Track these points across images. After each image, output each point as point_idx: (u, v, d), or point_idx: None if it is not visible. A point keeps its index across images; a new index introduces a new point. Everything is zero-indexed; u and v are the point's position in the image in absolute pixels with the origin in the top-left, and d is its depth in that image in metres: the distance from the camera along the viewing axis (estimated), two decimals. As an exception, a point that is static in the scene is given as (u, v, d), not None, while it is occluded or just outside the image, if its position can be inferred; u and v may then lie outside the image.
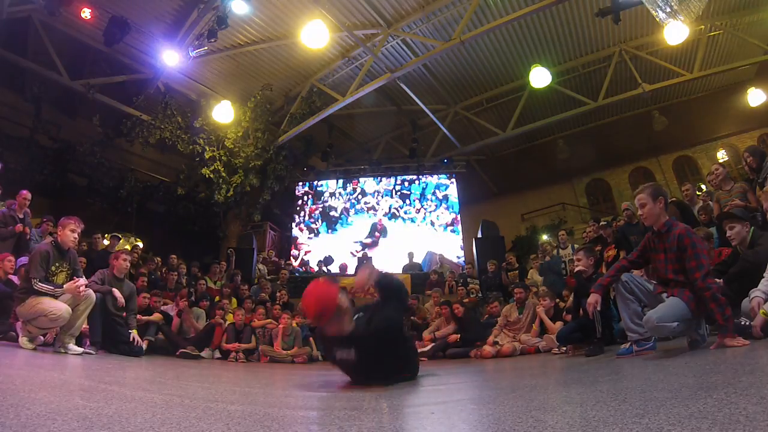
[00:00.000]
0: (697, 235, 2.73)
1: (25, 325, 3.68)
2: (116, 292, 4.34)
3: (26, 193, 5.87)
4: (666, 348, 3.00)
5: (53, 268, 3.78)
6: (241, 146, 9.84)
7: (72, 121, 10.33)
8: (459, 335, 5.92)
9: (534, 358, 4.78)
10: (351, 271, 10.70)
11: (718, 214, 4.63)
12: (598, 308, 2.91)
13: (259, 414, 1.34)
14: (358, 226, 12.01)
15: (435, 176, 12.24)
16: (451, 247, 11.46)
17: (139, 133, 9.67)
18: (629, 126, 12.51)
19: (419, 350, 4.96)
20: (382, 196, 12.20)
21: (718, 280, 2.68)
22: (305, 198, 12.45)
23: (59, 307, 3.59)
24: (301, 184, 12.45)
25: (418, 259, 10.81)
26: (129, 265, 4.83)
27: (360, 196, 12.28)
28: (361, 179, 12.38)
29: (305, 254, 11.82)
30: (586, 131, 12.93)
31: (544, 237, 12.28)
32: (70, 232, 3.91)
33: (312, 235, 12.08)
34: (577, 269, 4.24)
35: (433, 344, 5.98)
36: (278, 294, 7.16)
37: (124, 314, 4.52)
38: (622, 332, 3.36)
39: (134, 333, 4.55)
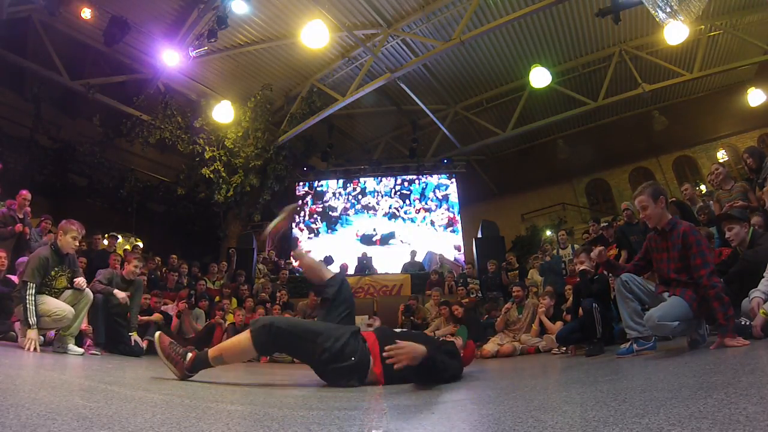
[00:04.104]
0: (701, 233, 2.73)
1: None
2: (118, 292, 4.33)
3: (26, 193, 5.86)
4: (666, 348, 3.00)
5: (53, 273, 3.71)
6: (241, 146, 9.85)
7: (72, 121, 10.34)
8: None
9: (534, 358, 4.78)
10: (351, 271, 10.72)
11: (717, 215, 4.63)
12: (605, 258, 3.08)
13: (259, 414, 1.34)
14: (358, 227, 12.01)
15: (435, 176, 12.24)
16: (451, 247, 11.46)
17: (139, 133, 9.68)
18: (629, 126, 12.52)
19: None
20: (382, 196, 12.20)
21: (721, 279, 2.67)
22: (305, 198, 12.45)
23: (63, 307, 3.57)
24: (301, 184, 12.45)
25: (420, 258, 10.82)
26: (139, 271, 4.81)
27: (360, 196, 12.28)
28: (362, 179, 12.38)
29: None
30: (586, 131, 12.94)
31: (548, 233, 12.30)
32: (72, 239, 3.81)
33: (312, 235, 12.08)
34: (581, 268, 4.24)
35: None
36: (278, 294, 7.17)
37: (128, 314, 4.52)
38: (622, 332, 3.36)
39: (134, 335, 4.56)
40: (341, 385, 2.18)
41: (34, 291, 3.48)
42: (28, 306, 3.41)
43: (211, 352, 2.31)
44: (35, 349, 3.29)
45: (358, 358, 2.19)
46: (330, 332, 2.23)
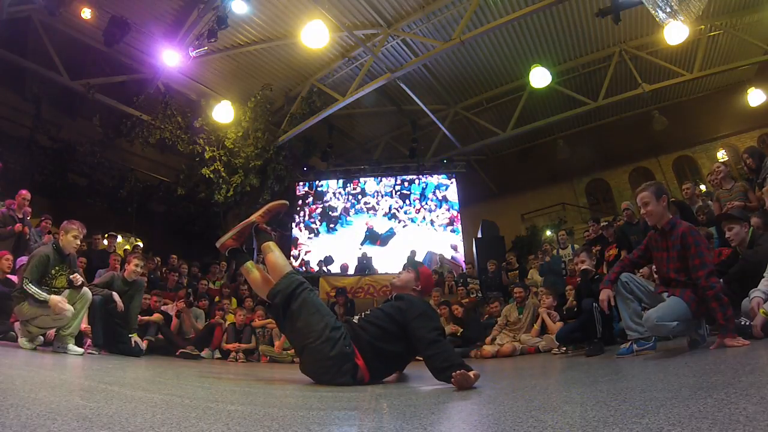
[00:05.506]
0: (700, 234, 2.73)
1: (24, 326, 3.67)
2: (116, 296, 4.32)
3: (25, 193, 5.86)
4: (666, 348, 3.00)
5: (53, 272, 3.73)
6: (241, 146, 9.84)
7: (72, 121, 10.32)
8: (461, 330, 5.98)
9: (534, 358, 4.79)
10: (351, 271, 10.71)
11: (717, 215, 4.64)
12: (613, 303, 2.86)
13: (259, 414, 1.34)
14: (358, 227, 12.01)
15: (435, 176, 12.23)
16: (450, 247, 11.46)
17: (139, 133, 9.67)
18: (629, 126, 12.51)
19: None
20: (382, 196, 12.20)
21: (720, 280, 2.67)
22: (306, 198, 12.43)
23: (61, 306, 3.58)
24: (301, 184, 12.45)
25: (420, 258, 10.80)
26: (140, 270, 4.80)
27: (360, 196, 12.27)
28: (362, 179, 12.38)
29: (305, 254, 11.82)
30: (586, 131, 12.93)
31: (548, 233, 12.32)
32: (73, 238, 3.85)
33: (312, 235, 12.08)
34: (583, 268, 4.25)
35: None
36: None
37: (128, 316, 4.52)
38: (622, 332, 3.36)
39: (135, 337, 4.55)
40: (334, 382, 2.20)
41: (30, 283, 3.54)
42: (34, 295, 3.49)
43: (267, 238, 2.77)
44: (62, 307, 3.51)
45: (351, 349, 2.29)
46: (337, 324, 2.36)
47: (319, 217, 12.19)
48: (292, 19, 8.04)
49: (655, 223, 2.79)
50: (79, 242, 3.96)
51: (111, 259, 6.42)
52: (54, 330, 3.75)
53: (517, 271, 8.43)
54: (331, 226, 12.09)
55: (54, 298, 3.53)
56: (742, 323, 2.70)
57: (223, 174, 9.80)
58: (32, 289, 3.52)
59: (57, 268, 3.77)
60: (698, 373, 1.74)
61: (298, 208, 12.30)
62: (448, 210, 11.88)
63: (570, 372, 2.84)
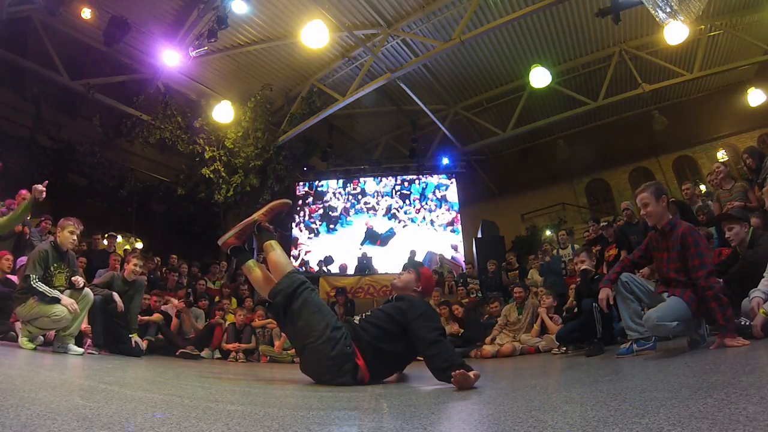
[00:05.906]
0: (700, 234, 2.73)
1: (25, 326, 3.67)
2: (116, 296, 4.32)
3: (25, 193, 5.83)
4: (666, 348, 3.00)
5: (52, 269, 3.75)
6: (241, 146, 9.84)
7: (72, 121, 10.32)
8: (462, 330, 5.99)
9: (534, 358, 4.79)
10: (351, 271, 10.70)
11: (717, 215, 4.64)
12: (612, 302, 2.85)
13: (259, 414, 1.34)
14: (358, 227, 12.01)
15: (435, 176, 12.23)
16: (448, 246, 11.46)
17: (139, 133, 9.67)
18: (629, 126, 12.51)
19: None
20: (382, 196, 12.20)
21: (720, 280, 2.67)
22: (306, 198, 12.43)
23: (62, 308, 3.59)
24: (301, 184, 12.45)
25: (420, 258, 10.80)
26: (140, 270, 4.80)
27: (360, 196, 12.27)
28: (362, 179, 12.38)
29: (305, 254, 11.82)
30: (586, 131, 12.93)
31: (548, 233, 12.32)
32: (69, 233, 3.86)
33: (312, 235, 12.08)
34: (582, 268, 4.24)
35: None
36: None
37: (127, 316, 4.51)
38: (622, 332, 3.36)
39: (135, 336, 4.55)
40: (334, 382, 2.21)
41: (38, 280, 3.54)
42: (41, 291, 3.50)
43: (269, 236, 2.78)
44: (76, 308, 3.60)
45: (351, 349, 2.29)
46: (338, 324, 2.36)
47: (319, 217, 12.19)
48: (292, 19, 8.04)
49: (655, 223, 2.79)
50: (75, 238, 3.95)
51: (111, 259, 6.42)
52: (54, 330, 3.76)
53: (517, 271, 8.43)
54: (331, 226, 12.09)
55: (66, 299, 3.58)
56: (742, 323, 2.70)
57: (223, 174, 9.80)
58: (42, 287, 3.53)
59: (56, 265, 3.79)
60: (698, 373, 1.74)
61: (298, 208, 12.29)
62: (448, 210, 11.87)
63: (570, 372, 2.84)
